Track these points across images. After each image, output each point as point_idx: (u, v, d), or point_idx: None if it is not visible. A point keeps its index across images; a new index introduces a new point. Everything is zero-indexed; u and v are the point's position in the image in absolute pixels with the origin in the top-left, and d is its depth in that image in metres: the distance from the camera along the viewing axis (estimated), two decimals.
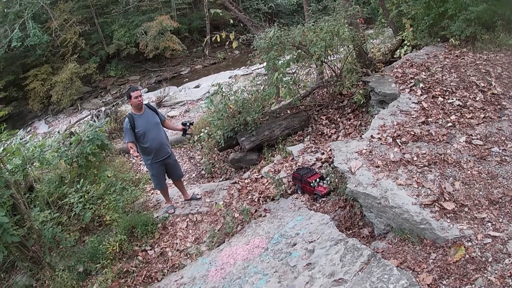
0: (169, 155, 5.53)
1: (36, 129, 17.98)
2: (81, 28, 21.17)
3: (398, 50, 7.85)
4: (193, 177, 7.81)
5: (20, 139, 6.95)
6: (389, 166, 4.20)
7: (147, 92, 19.57)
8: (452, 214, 3.52)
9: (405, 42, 7.79)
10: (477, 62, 6.25)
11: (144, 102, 5.39)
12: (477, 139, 4.57)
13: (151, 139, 5.24)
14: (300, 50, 6.99)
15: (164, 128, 5.59)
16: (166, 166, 5.57)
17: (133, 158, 9.66)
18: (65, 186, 5.94)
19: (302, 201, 5.14)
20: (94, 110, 15.30)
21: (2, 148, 6.08)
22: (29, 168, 6.26)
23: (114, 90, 21.64)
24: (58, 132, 9.96)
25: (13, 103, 19.69)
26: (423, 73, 6.12)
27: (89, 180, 6.06)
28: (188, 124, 5.73)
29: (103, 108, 13.96)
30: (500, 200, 3.65)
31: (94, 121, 11.30)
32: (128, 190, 6.44)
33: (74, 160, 6.23)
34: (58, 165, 7.09)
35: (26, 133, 17.27)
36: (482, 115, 5.02)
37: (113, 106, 13.56)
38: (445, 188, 3.79)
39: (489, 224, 3.40)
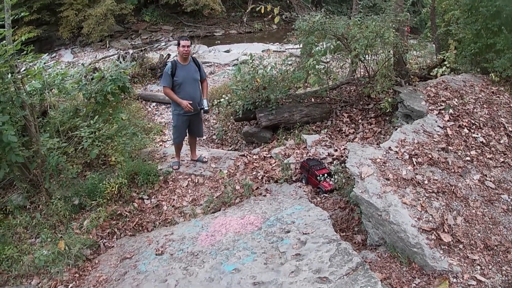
0: (197, 113, 5.62)
1: (61, 57, 18.00)
2: None
3: (436, 69, 7.59)
4: (203, 139, 7.84)
5: (44, 63, 6.96)
6: (399, 182, 4.17)
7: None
8: (447, 247, 3.53)
9: (445, 62, 7.52)
10: (511, 105, 6.09)
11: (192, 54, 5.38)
12: (490, 181, 4.52)
13: (185, 92, 5.32)
14: (340, 42, 6.83)
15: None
16: (191, 122, 5.65)
17: (149, 106, 9.72)
18: (79, 119, 6.00)
19: (304, 191, 5.15)
20: (121, 51, 15.22)
21: (24, 69, 6.12)
22: (47, 94, 6.32)
23: (145, 35, 21.43)
24: (83, 64, 9.96)
25: (44, 26, 19.45)
26: (456, 99, 5.98)
27: (103, 118, 6.11)
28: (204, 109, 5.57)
29: (130, 51, 13.88)
30: (495, 247, 3.64)
31: (120, 62, 11.29)
32: (138, 137, 6.52)
33: (93, 95, 6.29)
34: (76, 97, 7.15)
35: (50, 58, 17.31)
36: (501, 159, 4.94)
37: (141, 51, 13.48)
38: (446, 219, 3.78)
39: (478, 267, 3.40)
